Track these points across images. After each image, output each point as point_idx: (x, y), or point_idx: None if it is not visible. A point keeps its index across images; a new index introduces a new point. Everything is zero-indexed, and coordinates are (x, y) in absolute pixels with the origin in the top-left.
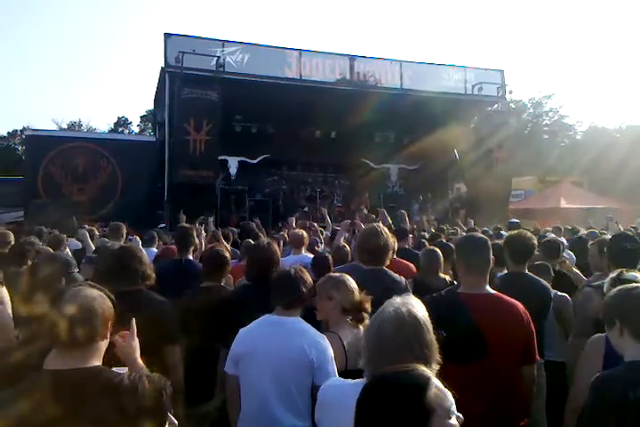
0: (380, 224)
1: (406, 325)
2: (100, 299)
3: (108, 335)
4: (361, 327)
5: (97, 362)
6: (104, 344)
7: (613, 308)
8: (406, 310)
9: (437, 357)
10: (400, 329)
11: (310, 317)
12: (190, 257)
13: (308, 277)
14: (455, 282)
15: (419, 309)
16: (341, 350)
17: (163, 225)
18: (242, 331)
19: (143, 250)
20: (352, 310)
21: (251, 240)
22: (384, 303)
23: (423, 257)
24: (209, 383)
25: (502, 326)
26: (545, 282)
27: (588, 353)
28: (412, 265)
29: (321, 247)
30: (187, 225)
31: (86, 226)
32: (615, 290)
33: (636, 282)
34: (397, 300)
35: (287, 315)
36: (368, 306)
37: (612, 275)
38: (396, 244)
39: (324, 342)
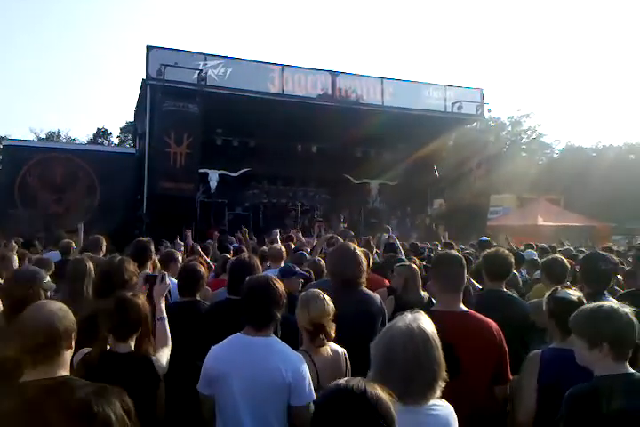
0: (353, 244)
1: (416, 340)
2: (61, 313)
3: (73, 344)
4: (327, 350)
5: (64, 372)
6: (69, 354)
7: (604, 331)
8: (417, 325)
9: (444, 374)
10: (410, 344)
11: (286, 323)
12: (148, 271)
13: (280, 291)
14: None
15: (428, 325)
16: (312, 368)
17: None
18: (214, 349)
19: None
20: (311, 332)
21: (227, 254)
22: (394, 319)
23: (402, 273)
24: (187, 401)
25: (475, 345)
26: (522, 300)
27: (525, 369)
28: (385, 280)
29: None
30: (144, 238)
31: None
32: (597, 310)
33: (569, 299)
34: (408, 316)
35: (259, 335)
36: (327, 329)
37: (547, 293)
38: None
39: (300, 361)
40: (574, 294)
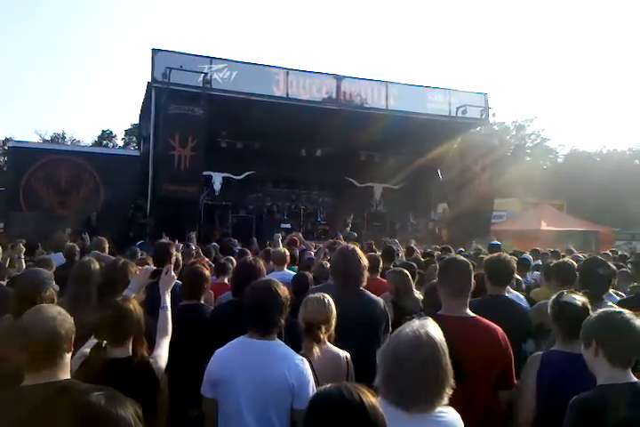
0: (354, 246)
1: (423, 347)
2: (60, 316)
3: (72, 348)
4: (317, 351)
5: (65, 375)
6: (69, 356)
7: (593, 329)
8: (424, 332)
9: (451, 381)
10: (418, 352)
11: (291, 331)
12: (153, 266)
13: (283, 295)
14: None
15: (436, 332)
16: (312, 371)
17: (141, 242)
18: (217, 353)
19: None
20: (303, 331)
21: (231, 257)
22: (402, 324)
23: (393, 279)
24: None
25: (481, 351)
26: (523, 305)
27: (526, 370)
28: None
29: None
30: (165, 241)
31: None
32: (598, 313)
33: (574, 304)
34: (415, 322)
35: (263, 339)
36: (316, 330)
37: (553, 296)
38: (382, 263)
39: (304, 364)
40: (579, 298)
